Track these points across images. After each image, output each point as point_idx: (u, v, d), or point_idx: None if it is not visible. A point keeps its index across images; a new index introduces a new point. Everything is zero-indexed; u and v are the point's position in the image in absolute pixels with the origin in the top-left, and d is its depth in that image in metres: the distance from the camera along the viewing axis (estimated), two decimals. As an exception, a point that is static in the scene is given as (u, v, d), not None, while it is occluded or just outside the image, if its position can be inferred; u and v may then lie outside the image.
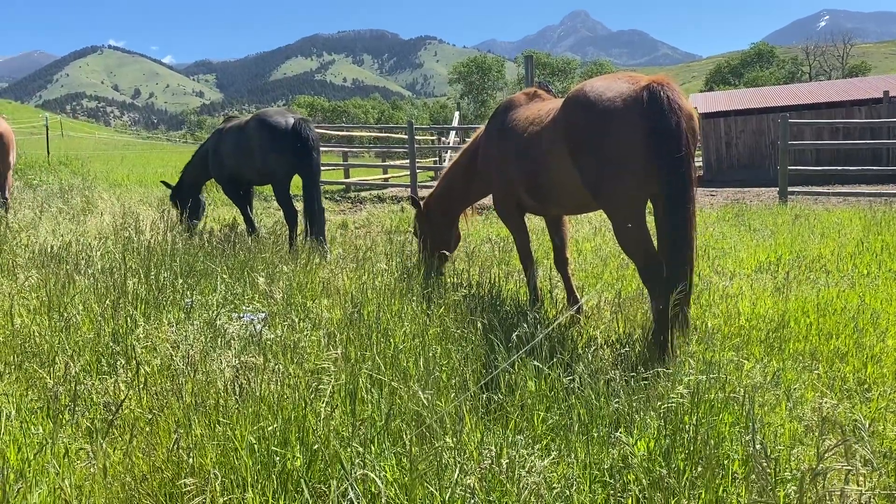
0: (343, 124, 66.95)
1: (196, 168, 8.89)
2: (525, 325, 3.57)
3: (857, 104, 21.20)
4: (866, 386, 3.56)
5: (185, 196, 8.88)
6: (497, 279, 5.56)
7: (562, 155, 4.25)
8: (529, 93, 5.31)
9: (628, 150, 3.87)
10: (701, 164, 23.41)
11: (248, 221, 8.34)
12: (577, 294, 5.21)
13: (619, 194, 4.00)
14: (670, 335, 3.74)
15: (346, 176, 19.32)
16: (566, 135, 4.17)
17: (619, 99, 3.90)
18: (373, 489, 2.32)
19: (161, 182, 9.52)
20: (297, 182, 7.89)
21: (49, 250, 5.59)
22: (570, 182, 4.31)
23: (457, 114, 27.66)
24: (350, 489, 2.27)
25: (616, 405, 2.90)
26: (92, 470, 2.44)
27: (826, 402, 3.05)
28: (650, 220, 4.12)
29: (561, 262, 5.32)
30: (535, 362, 3.21)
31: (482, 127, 5.66)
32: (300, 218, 7.80)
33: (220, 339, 3.68)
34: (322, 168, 17.92)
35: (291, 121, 7.30)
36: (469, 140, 5.89)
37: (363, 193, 16.73)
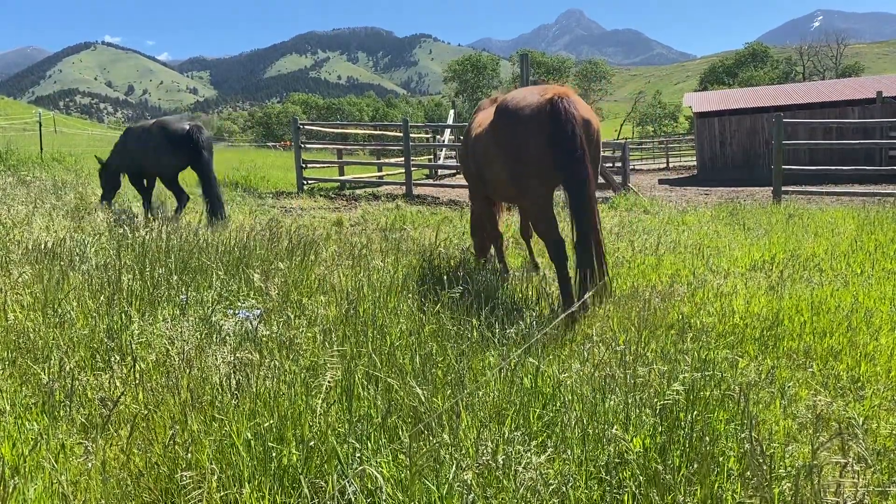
0: (338, 122, 66.78)
1: (114, 158, 10.42)
2: (521, 323, 3.58)
3: (850, 104, 21.30)
4: (860, 384, 3.57)
5: (108, 178, 10.50)
6: (494, 276, 5.56)
7: (495, 155, 5.09)
8: (493, 98, 6.09)
9: (535, 151, 4.65)
10: (695, 163, 23.47)
11: (147, 208, 9.78)
12: (536, 259, 6.40)
13: (532, 188, 4.81)
14: (573, 292, 4.61)
15: (341, 173, 19.29)
16: (496, 138, 5.01)
17: (528, 108, 4.71)
18: (369, 485, 2.32)
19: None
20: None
21: (43, 246, 5.57)
22: (503, 177, 5.11)
23: (452, 112, 27.69)
24: (348, 485, 2.27)
25: (612, 402, 2.91)
26: (88, 466, 2.44)
27: (820, 400, 3.08)
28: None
29: (525, 234, 6.47)
30: (531, 359, 3.21)
31: None
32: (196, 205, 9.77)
33: (215, 336, 3.67)
34: (317, 166, 18.03)
35: (186, 127, 9.03)
36: None
37: (358, 191, 16.70)
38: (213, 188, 9.05)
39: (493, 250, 6.54)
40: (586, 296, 4.30)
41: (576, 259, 4.66)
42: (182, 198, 9.42)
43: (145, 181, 10.03)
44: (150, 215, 9.11)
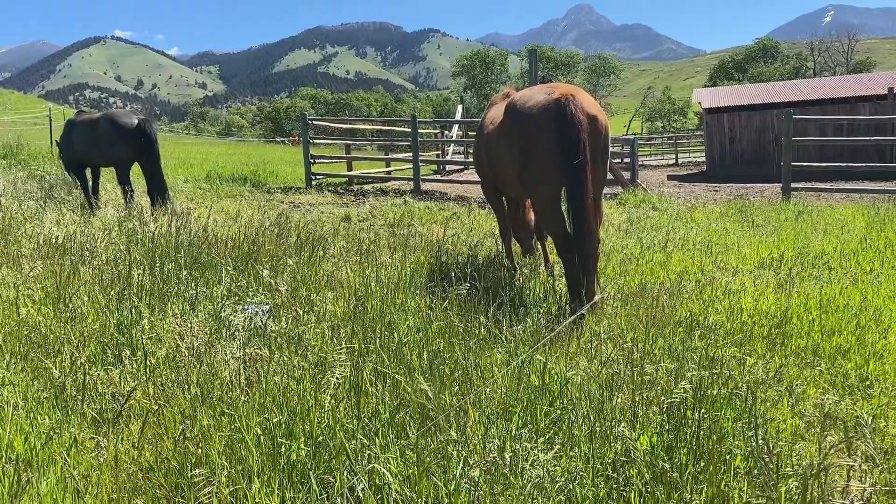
0: (346, 117, 66.84)
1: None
2: (528, 320, 3.59)
3: (861, 100, 21.16)
4: (868, 383, 3.56)
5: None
6: (502, 273, 5.57)
7: (505, 152, 5.22)
8: (505, 93, 6.21)
9: (542, 151, 4.75)
10: (704, 159, 23.36)
11: (87, 196, 10.13)
12: (549, 256, 6.36)
13: (540, 186, 4.89)
14: (584, 290, 4.57)
15: (349, 169, 19.31)
16: (505, 136, 5.16)
17: (536, 108, 4.80)
18: (377, 481, 2.34)
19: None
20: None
21: (53, 241, 5.61)
22: (513, 174, 5.21)
23: (460, 107, 27.66)
24: (357, 482, 2.29)
25: (619, 399, 2.91)
26: (100, 460, 2.46)
27: (828, 399, 3.07)
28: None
29: (540, 233, 6.49)
30: (539, 356, 3.22)
31: None
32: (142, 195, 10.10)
33: (224, 331, 3.69)
34: (326, 161, 18.05)
35: (136, 121, 9.54)
36: None
37: (366, 186, 16.72)
38: (159, 176, 9.81)
39: (497, 247, 6.57)
40: (594, 300, 4.33)
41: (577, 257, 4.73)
42: (129, 191, 9.86)
43: (89, 171, 10.52)
44: (91, 202, 9.91)
